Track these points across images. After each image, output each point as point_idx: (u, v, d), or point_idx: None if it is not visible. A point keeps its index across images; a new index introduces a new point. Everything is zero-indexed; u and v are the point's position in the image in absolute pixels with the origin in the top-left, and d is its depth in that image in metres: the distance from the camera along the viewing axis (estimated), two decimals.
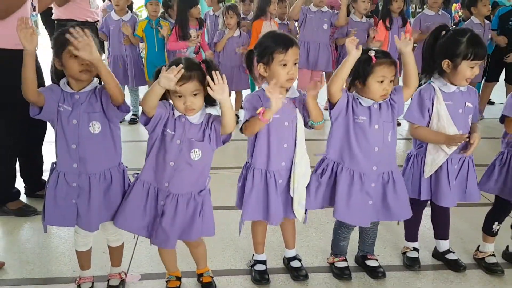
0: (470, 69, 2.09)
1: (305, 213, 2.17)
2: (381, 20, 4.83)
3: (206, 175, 1.99)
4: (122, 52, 4.87)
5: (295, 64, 1.97)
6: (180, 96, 1.81)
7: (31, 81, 1.83)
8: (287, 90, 2.04)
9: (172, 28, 4.68)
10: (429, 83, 2.18)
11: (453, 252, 2.43)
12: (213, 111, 1.98)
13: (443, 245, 2.44)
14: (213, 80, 1.75)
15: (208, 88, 1.76)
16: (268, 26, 4.80)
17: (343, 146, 2.10)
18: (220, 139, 1.93)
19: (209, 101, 1.90)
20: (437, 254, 2.49)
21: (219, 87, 1.76)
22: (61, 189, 1.96)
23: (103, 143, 1.97)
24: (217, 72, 1.77)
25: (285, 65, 1.95)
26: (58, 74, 1.98)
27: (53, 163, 2.01)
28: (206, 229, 2.01)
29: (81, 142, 1.93)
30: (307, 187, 2.14)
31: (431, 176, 2.22)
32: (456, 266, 2.37)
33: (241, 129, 2.05)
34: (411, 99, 2.22)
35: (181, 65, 1.73)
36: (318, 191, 2.15)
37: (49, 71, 2.04)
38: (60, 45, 1.87)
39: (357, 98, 2.07)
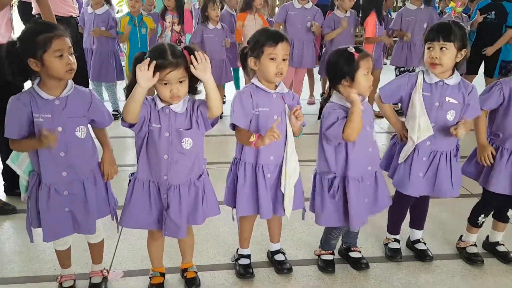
0: (427, 51, 2.14)
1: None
2: (370, 16, 4.80)
3: (201, 159, 1.99)
4: (92, 46, 4.83)
5: (284, 60, 1.98)
6: (166, 84, 1.78)
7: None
8: (276, 85, 2.06)
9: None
10: (419, 71, 2.22)
11: (424, 243, 2.47)
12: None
13: (416, 234, 2.48)
14: (196, 60, 1.75)
15: (191, 66, 1.76)
16: (251, 19, 4.78)
17: (343, 158, 2.09)
18: (208, 123, 1.92)
19: (192, 89, 1.89)
20: (409, 244, 2.52)
21: (202, 65, 1.76)
22: (53, 202, 1.89)
23: (88, 145, 1.95)
24: (199, 52, 1.77)
25: (274, 59, 1.96)
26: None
27: (34, 176, 1.91)
28: (211, 210, 2.05)
29: (70, 149, 1.87)
30: (320, 204, 2.15)
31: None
32: (423, 256, 2.41)
33: (232, 127, 2.05)
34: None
35: (149, 59, 1.72)
36: (340, 210, 2.14)
37: None
38: (42, 45, 1.74)
39: (343, 106, 2.05)
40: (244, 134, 2.01)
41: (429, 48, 2.13)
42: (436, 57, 2.10)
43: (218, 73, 4.90)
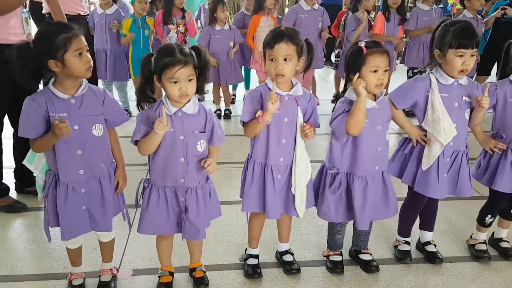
0: (458, 58, 2.06)
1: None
2: (380, 13, 4.86)
3: None
4: (105, 46, 4.84)
5: (287, 60, 1.95)
6: (175, 82, 1.79)
7: None
8: (293, 85, 2.05)
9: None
10: (429, 73, 2.19)
11: (434, 245, 2.45)
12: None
13: (426, 236, 2.47)
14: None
15: (204, 166, 1.89)
16: (265, 20, 4.78)
17: (349, 154, 2.09)
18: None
19: (199, 89, 1.91)
20: (419, 246, 2.51)
21: (212, 162, 1.91)
22: (71, 200, 1.91)
23: (105, 143, 1.96)
24: (207, 161, 1.89)
25: (273, 60, 1.96)
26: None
27: (51, 175, 1.92)
28: (214, 212, 2.07)
29: (87, 147, 1.88)
30: (323, 200, 2.15)
31: (418, 163, 2.23)
32: (433, 258, 2.40)
33: (242, 123, 2.07)
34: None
35: (165, 116, 1.77)
36: (339, 206, 2.14)
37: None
38: (62, 46, 1.75)
39: (354, 102, 2.02)
40: (251, 122, 2.01)
41: (460, 56, 2.06)
42: (469, 64, 2.07)
43: (224, 74, 4.90)
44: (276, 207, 2.12)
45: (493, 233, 2.54)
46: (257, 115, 1.95)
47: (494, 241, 2.52)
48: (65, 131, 1.74)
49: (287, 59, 1.95)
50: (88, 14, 4.46)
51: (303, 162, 2.08)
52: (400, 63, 5.29)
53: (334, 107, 2.14)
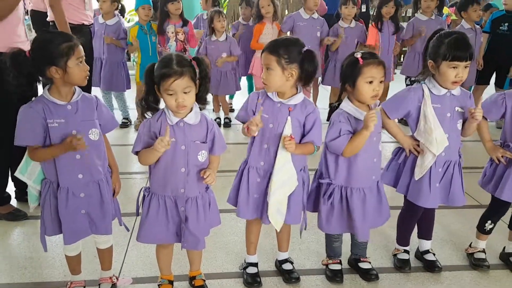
0: (452, 70, 2.07)
1: (305, 225, 2.22)
2: (372, 24, 4.90)
3: None
4: (101, 55, 4.82)
5: (268, 69, 1.97)
6: (171, 94, 1.79)
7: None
8: (297, 93, 2.05)
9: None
10: (421, 84, 2.20)
11: (433, 254, 2.46)
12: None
13: (425, 244, 2.47)
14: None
15: (204, 176, 1.89)
16: (269, 28, 4.82)
17: (345, 167, 2.10)
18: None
19: (200, 100, 1.91)
20: (418, 255, 2.51)
21: (212, 174, 1.91)
22: (71, 204, 1.92)
23: (102, 147, 1.99)
24: (206, 172, 1.90)
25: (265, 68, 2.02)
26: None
27: (47, 184, 1.93)
28: (214, 220, 2.08)
29: (85, 151, 1.90)
30: (318, 210, 2.16)
31: (412, 173, 2.24)
32: (432, 267, 2.40)
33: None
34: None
35: (168, 134, 1.78)
36: (329, 216, 2.15)
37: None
38: (65, 53, 1.80)
39: (350, 115, 2.04)
40: (243, 127, 2.06)
41: (454, 67, 2.07)
42: (462, 76, 2.08)
43: (218, 84, 4.90)
44: (247, 208, 2.13)
45: (504, 247, 2.53)
46: (244, 126, 2.01)
47: (505, 255, 2.50)
48: (82, 146, 1.79)
49: (268, 68, 1.98)
50: (92, 24, 4.48)
51: (284, 173, 2.04)
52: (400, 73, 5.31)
53: (329, 115, 2.14)
